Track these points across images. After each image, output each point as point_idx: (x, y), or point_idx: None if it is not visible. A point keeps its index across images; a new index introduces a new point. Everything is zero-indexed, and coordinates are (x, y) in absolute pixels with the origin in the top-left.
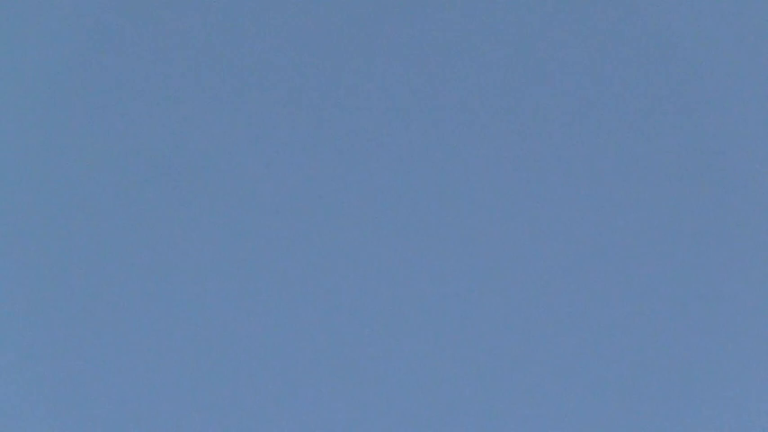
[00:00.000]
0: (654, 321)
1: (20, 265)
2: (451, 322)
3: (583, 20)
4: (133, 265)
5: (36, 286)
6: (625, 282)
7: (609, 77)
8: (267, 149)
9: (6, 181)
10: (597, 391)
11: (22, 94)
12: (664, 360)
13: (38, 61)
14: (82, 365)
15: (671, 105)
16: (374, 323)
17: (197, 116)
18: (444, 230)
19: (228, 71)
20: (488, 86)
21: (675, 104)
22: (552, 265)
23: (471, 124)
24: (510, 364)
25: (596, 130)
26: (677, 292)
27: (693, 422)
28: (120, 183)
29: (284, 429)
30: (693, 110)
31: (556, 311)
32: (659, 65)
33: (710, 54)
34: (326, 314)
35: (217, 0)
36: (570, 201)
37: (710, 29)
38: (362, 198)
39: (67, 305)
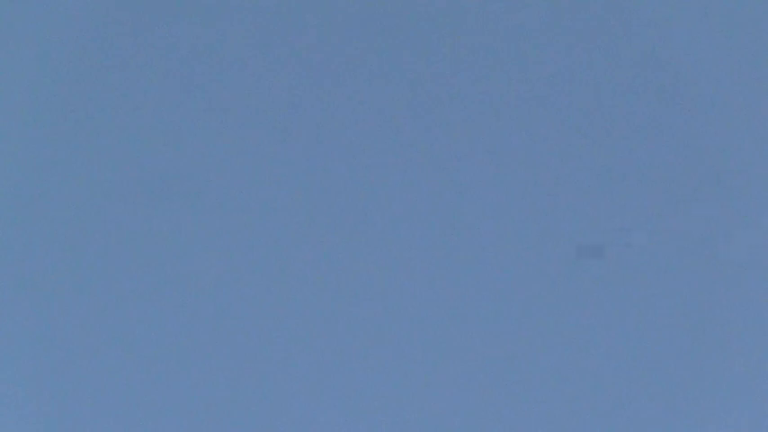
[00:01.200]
0: (654, 326)
1: (23, 268)
2: (449, 322)
3: (581, 25)
4: (133, 270)
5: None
6: (623, 282)
7: (608, 81)
8: (265, 153)
9: (7, 188)
10: (595, 394)
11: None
12: (663, 367)
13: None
14: (85, 366)
15: (667, 109)
16: (373, 323)
17: (196, 123)
18: (441, 239)
19: (226, 79)
20: (487, 92)
21: (672, 107)
22: (551, 269)
23: (467, 130)
24: (511, 368)
25: (595, 133)
26: (676, 297)
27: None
28: (120, 190)
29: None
30: (689, 112)
31: (554, 314)
32: (657, 69)
33: (707, 58)
34: (324, 315)
35: (216, 9)
36: (569, 203)
37: (708, 34)
38: (359, 201)
39: (71, 308)
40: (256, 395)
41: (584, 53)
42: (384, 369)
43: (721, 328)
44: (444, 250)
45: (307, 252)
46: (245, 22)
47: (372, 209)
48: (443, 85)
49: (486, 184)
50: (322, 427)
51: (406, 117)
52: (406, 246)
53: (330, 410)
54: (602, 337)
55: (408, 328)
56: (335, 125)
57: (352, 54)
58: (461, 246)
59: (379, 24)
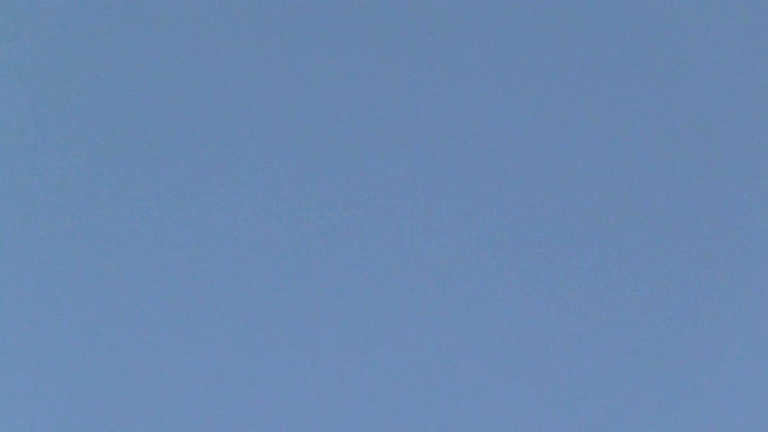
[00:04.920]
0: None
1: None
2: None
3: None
4: (130, 269)
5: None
6: (625, 280)
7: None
8: (266, 148)
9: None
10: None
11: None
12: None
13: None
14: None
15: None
16: (372, 322)
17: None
18: (443, 230)
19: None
20: (489, 88)
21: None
22: (553, 266)
23: (471, 125)
24: (512, 365)
25: (596, 128)
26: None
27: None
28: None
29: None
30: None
31: (557, 312)
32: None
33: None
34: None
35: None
36: (570, 200)
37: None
38: (358, 197)
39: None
40: (257, 395)
41: (584, 51)
42: (383, 369)
43: (723, 327)
44: (444, 249)
45: (306, 252)
46: (246, 19)
47: (371, 207)
48: (443, 83)
49: (487, 182)
50: (321, 427)
51: (404, 116)
52: (405, 245)
53: (330, 411)
54: (603, 336)
55: (408, 328)
56: (330, 125)
57: (351, 52)
58: (461, 245)
59: (379, 23)
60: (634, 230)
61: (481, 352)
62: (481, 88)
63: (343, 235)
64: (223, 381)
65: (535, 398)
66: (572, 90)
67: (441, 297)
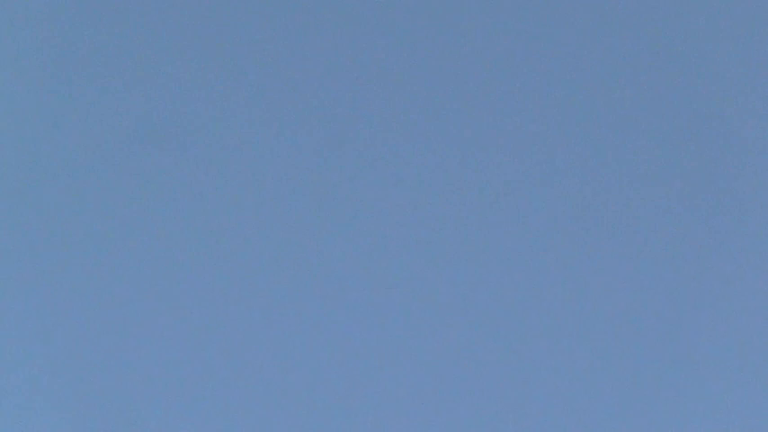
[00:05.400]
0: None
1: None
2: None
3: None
4: (131, 264)
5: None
6: (624, 280)
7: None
8: (269, 146)
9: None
10: (596, 390)
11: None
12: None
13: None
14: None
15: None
16: (372, 322)
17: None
18: (444, 231)
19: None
20: (491, 87)
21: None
22: (551, 265)
23: (473, 123)
24: (510, 365)
25: (597, 129)
26: (676, 292)
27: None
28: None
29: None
30: (695, 110)
31: (556, 311)
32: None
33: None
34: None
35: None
36: (571, 199)
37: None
38: (360, 196)
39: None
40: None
41: (586, 52)
42: (384, 369)
43: (720, 327)
44: (446, 249)
45: (307, 251)
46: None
47: (374, 206)
48: (445, 82)
49: (488, 183)
50: (320, 428)
51: (406, 115)
52: (406, 244)
53: (329, 410)
54: (601, 335)
55: (410, 327)
56: (334, 123)
57: (353, 51)
58: (462, 243)
59: (381, 22)
60: (633, 229)
61: (480, 351)
62: (483, 81)
63: (343, 231)
64: (223, 376)
65: (532, 396)
66: (572, 85)
67: (440, 297)
